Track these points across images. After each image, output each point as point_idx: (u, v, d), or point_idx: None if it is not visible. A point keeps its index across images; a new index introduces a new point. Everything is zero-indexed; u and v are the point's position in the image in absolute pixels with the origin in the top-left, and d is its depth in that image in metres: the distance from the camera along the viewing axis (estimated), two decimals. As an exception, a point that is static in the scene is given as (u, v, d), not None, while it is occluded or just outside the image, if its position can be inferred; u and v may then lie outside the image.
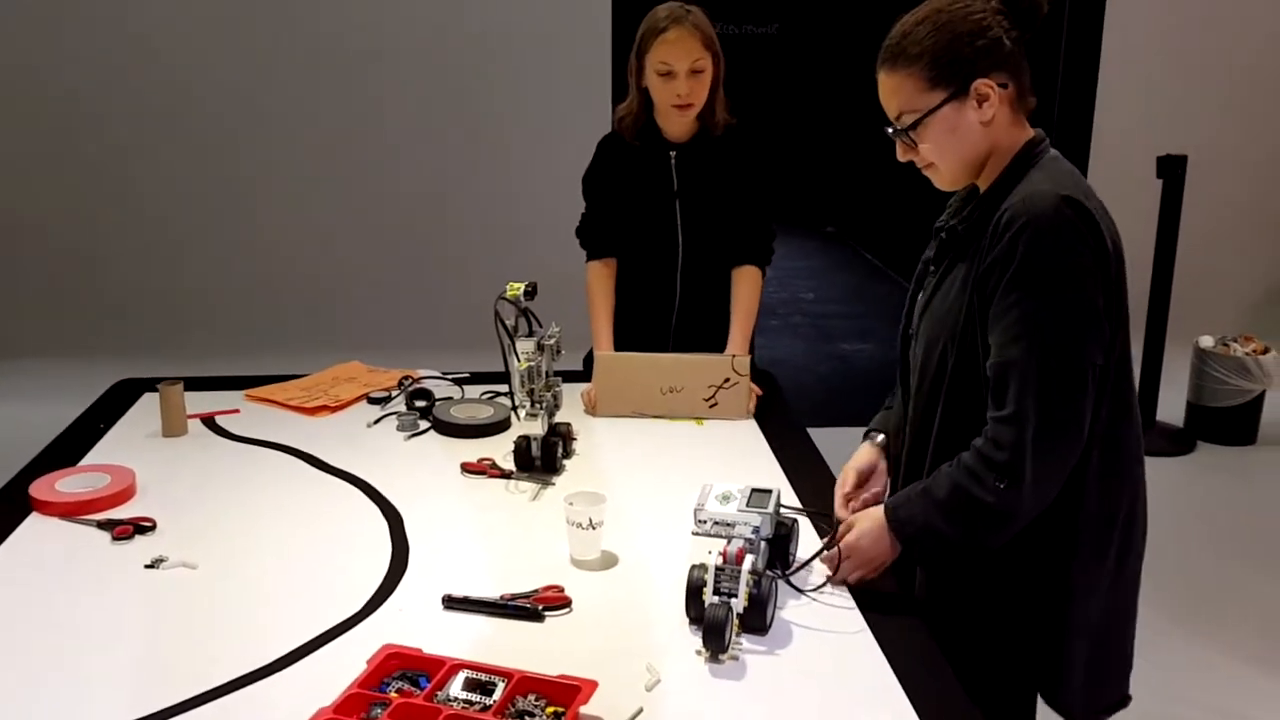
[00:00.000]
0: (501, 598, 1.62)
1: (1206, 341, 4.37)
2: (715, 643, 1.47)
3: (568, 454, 2.16)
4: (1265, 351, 4.36)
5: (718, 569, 1.52)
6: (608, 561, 1.75)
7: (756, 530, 1.61)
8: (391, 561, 1.76)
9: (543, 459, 2.08)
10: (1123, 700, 1.74)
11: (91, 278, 5.04)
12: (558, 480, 2.07)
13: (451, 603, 1.61)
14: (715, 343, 2.52)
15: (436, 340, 4.61)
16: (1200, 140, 4.22)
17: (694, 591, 1.54)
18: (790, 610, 1.62)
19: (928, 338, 1.70)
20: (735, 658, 1.48)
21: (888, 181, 7.63)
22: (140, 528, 1.87)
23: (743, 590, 1.50)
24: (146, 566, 1.75)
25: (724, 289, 2.57)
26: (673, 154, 2.52)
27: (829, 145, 8.38)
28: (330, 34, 4.85)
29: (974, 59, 1.57)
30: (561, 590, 1.64)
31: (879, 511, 1.68)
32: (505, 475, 2.08)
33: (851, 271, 7.61)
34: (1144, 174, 4.24)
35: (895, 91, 1.62)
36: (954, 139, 1.61)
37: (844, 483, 1.87)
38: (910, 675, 1.46)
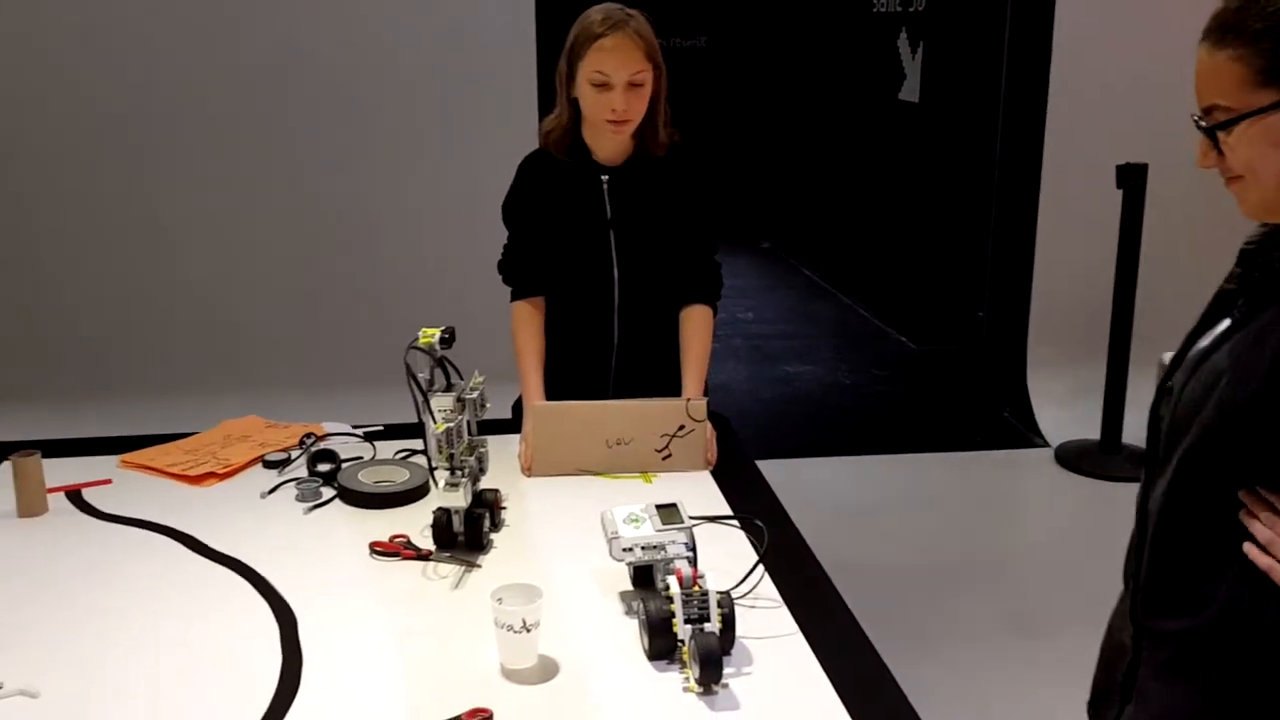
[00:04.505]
0: (415, 728, 1.31)
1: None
2: (714, 673, 1.39)
3: (495, 526, 1.86)
4: (1228, 366, 4.19)
5: (684, 596, 1.43)
6: (546, 671, 1.45)
7: (688, 546, 1.55)
8: (280, 680, 1.44)
9: (466, 536, 1.77)
10: None
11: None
12: (484, 560, 1.76)
13: (353, 739, 1.30)
14: (660, 387, 2.24)
15: (349, 379, 4.26)
16: (1161, 147, 4.03)
17: (661, 625, 1.45)
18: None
19: (1194, 398, 1.23)
20: (726, 685, 1.40)
21: (824, 195, 7.46)
22: (-27, 643, 1.53)
23: (714, 612, 1.43)
24: (-24, 696, 1.42)
25: (666, 327, 2.29)
26: (605, 178, 2.23)
27: (762, 158, 8.18)
28: (231, 54, 4.48)
29: None
30: (490, 716, 1.34)
31: None
32: (422, 556, 1.77)
33: (790, 289, 7.38)
34: (1103, 184, 4.04)
35: (1214, 76, 1.20)
36: (1278, 155, 1.19)
37: None
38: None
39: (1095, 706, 1.44)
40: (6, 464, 2.13)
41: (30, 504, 1.96)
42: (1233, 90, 1.18)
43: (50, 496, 2.00)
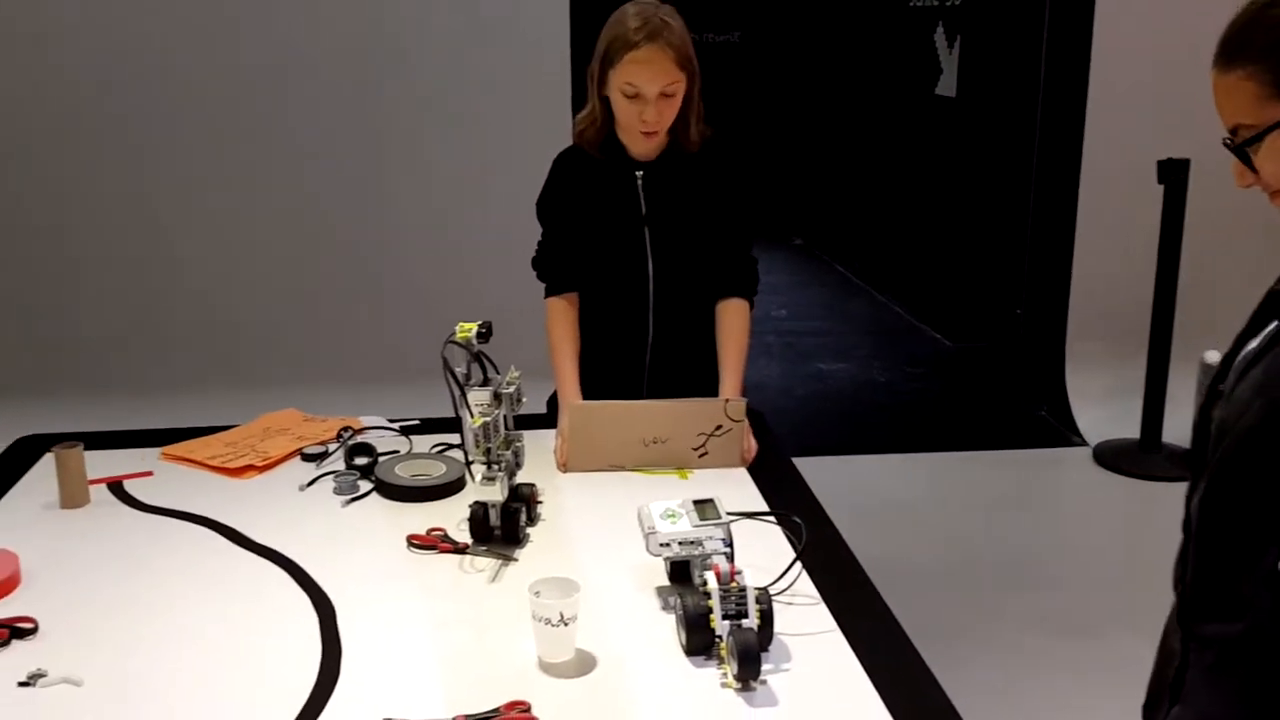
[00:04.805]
0: (454, 721, 1.32)
1: (1213, 357, 4.13)
2: (752, 669, 1.39)
3: (532, 520, 1.86)
4: (1271, 365, 4.12)
5: (721, 591, 1.43)
6: (583, 665, 1.45)
7: (725, 542, 1.55)
8: (320, 673, 1.45)
9: (503, 530, 1.77)
10: None
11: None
12: (520, 554, 1.77)
13: (392, 730, 1.31)
14: (695, 382, 2.23)
15: (385, 374, 4.28)
16: (1204, 143, 3.97)
17: (699, 620, 1.44)
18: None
19: (1243, 399, 1.20)
20: (764, 681, 1.40)
21: (858, 191, 7.42)
22: (18, 630, 1.55)
23: (752, 608, 1.43)
24: (20, 684, 1.44)
25: (702, 323, 2.28)
26: (639, 174, 2.23)
27: (795, 154, 8.15)
28: (259, 44, 4.52)
29: None
30: (528, 708, 1.34)
31: None
32: (459, 550, 1.77)
33: (824, 286, 7.35)
34: (1144, 179, 3.99)
35: (1229, 97, 1.20)
36: None
37: None
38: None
39: (1149, 709, 1.43)
40: (50, 456, 2.15)
41: (73, 495, 1.99)
42: (1249, 108, 1.18)
43: (92, 488, 2.02)
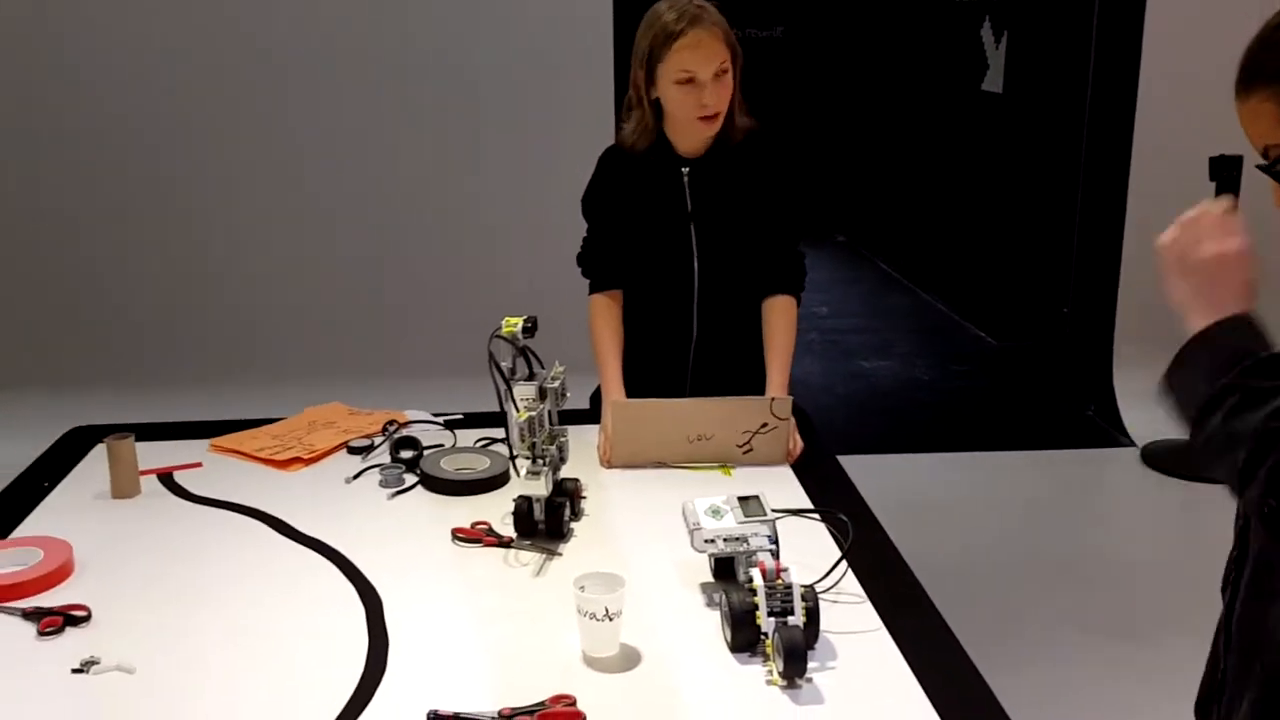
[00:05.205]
0: (500, 714, 1.32)
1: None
2: (798, 666, 1.39)
3: (576, 515, 1.86)
4: (1325, 366, 4.04)
5: (767, 588, 1.43)
6: (628, 660, 1.45)
7: (770, 539, 1.54)
8: (367, 664, 1.46)
9: (547, 525, 1.78)
10: None
11: (40, 305, 4.70)
12: (564, 549, 1.77)
13: (438, 722, 1.31)
14: (738, 379, 2.22)
15: (429, 368, 4.31)
16: (1258, 138, 3.92)
17: (744, 617, 1.44)
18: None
19: None
20: (810, 679, 1.40)
21: (901, 187, 7.36)
22: (71, 618, 1.58)
23: (798, 605, 1.42)
24: (74, 671, 1.46)
25: (746, 320, 2.27)
26: (685, 170, 2.22)
27: (837, 151, 8.10)
28: (305, 39, 4.55)
29: None
30: (573, 703, 1.34)
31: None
32: (503, 543, 1.78)
33: (866, 283, 7.31)
34: (1195, 176, 3.92)
35: (1253, 121, 1.20)
36: None
37: None
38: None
39: (1201, 708, 1.41)
40: (101, 446, 2.19)
41: (124, 485, 2.02)
42: (1274, 130, 1.17)
43: (143, 478, 2.05)
